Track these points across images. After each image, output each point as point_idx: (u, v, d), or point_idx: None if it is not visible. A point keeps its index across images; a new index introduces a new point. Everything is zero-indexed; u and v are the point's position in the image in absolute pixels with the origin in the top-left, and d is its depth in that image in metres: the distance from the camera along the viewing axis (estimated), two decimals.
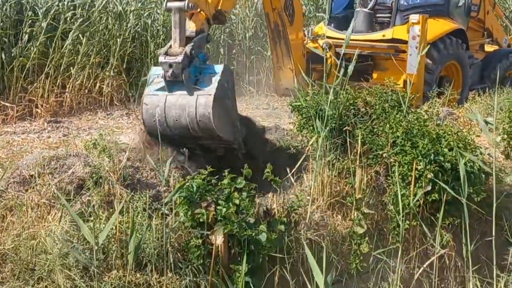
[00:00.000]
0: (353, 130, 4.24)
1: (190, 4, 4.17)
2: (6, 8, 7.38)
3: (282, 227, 3.56)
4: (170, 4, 4.24)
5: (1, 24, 7.34)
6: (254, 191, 3.67)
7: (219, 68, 4.22)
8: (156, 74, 4.29)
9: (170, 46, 4.26)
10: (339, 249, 3.88)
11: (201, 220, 3.37)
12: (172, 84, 4.14)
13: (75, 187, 3.72)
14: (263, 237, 3.40)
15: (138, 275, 3.00)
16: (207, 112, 3.96)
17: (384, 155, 4.10)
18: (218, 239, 3.39)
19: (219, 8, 4.68)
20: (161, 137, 3.73)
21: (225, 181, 3.62)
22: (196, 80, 4.16)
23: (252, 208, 3.53)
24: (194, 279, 3.33)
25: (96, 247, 2.49)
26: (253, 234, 3.39)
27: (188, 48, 4.13)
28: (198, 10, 4.39)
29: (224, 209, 3.39)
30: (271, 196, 3.99)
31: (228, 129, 4.17)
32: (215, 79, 4.10)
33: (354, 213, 3.97)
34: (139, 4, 8.76)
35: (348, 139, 4.13)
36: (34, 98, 7.11)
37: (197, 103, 4.02)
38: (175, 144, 4.20)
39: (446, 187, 3.49)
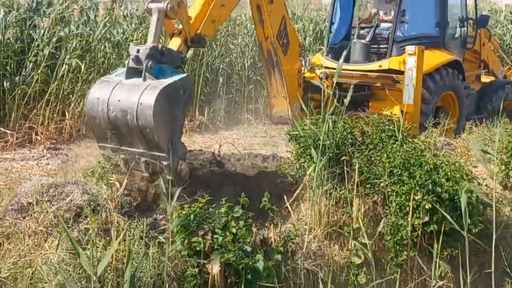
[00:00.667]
0: (350, 160, 4.26)
1: (170, 5, 4.25)
2: (9, 37, 7.48)
3: (279, 257, 3.55)
4: (151, 5, 4.33)
5: (4, 52, 7.44)
6: (251, 220, 3.67)
7: (181, 75, 4.16)
8: (120, 70, 4.27)
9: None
10: (337, 279, 3.85)
11: (197, 248, 3.36)
12: (131, 72, 4.05)
13: (73, 215, 3.72)
14: (260, 265, 3.39)
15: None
16: (152, 99, 3.76)
17: (382, 184, 4.12)
18: (214, 268, 3.38)
19: (198, 32, 4.75)
20: (95, 128, 3.83)
21: (222, 210, 3.62)
22: (156, 77, 4.05)
23: (249, 237, 3.53)
24: None
25: (94, 278, 2.47)
26: (250, 263, 3.38)
27: (160, 46, 4.18)
28: (178, 25, 4.52)
29: (221, 238, 3.39)
30: (268, 224, 3.99)
31: (164, 135, 3.88)
32: (173, 79, 4.02)
33: (351, 243, 3.96)
34: (138, 34, 8.88)
35: (345, 169, 4.15)
36: (34, 125, 7.17)
37: (146, 89, 3.86)
38: (104, 140, 4.03)
39: (448, 216, 3.48)
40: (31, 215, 3.77)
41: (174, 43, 4.54)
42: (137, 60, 4.03)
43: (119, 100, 3.86)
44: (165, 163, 3.93)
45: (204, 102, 9.13)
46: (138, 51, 4.04)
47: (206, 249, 3.39)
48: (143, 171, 4.04)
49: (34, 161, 6.28)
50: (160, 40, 4.74)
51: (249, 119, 9.33)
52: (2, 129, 7.02)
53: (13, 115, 7.22)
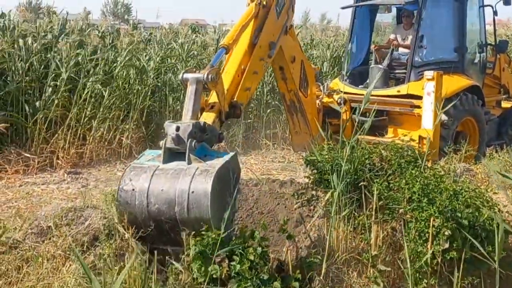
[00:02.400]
0: (369, 185, 4.23)
1: (211, 76, 3.77)
2: (32, 62, 7.67)
3: (297, 284, 3.50)
4: (187, 75, 3.87)
5: (28, 77, 7.62)
6: (268, 246, 3.64)
7: (227, 155, 3.62)
8: (148, 153, 3.69)
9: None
10: None
11: (214, 276, 3.32)
12: (170, 154, 3.50)
13: (90, 239, 3.74)
14: None
15: None
16: (207, 185, 3.18)
17: (401, 211, 4.07)
18: None
19: (235, 99, 4.42)
20: (132, 223, 3.20)
21: (237, 239, 3.56)
22: (200, 159, 3.51)
23: (266, 264, 3.49)
24: None
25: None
26: None
27: (202, 122, 3.68)
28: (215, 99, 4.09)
29: (238, 266, 3.34)
30: (286, 251, 3.96)
31: (219, 228, 3.22)
32: (224, 159, 3.47)
33: (370, 270, 3.91)
34: (159, 59, 9.03)
35: (363, 194, 4.11)
36: (55, 150, 7.27)
37: (195, 174, 3.28)
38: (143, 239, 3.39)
39: (477, 244, 3.42)
40: (50, 239, 3.81)
41: (208, 119, 3.96)
42: (177, 139, 3.46)
43: (162, 190, 3.27)
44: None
45: (223, 127, 9.18)
46: (177, 128, 3.48)
47: (223, 276, 3.35)
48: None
49: (55, 185, 6.37)
50: None
51: (267, 144, 9.35)
52: (24, 153, 7.14)
53: (34, 140, 7.35)
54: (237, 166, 3.62)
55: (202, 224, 3.16)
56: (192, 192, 3.21)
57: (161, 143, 3.52)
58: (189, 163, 3.42)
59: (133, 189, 3.33)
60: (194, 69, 4.04)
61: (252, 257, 3.38)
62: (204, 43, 10.85)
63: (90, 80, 7.79)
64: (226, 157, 3.49)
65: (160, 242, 3.38)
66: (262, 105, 9.71)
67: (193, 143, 3.47)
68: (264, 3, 5.08)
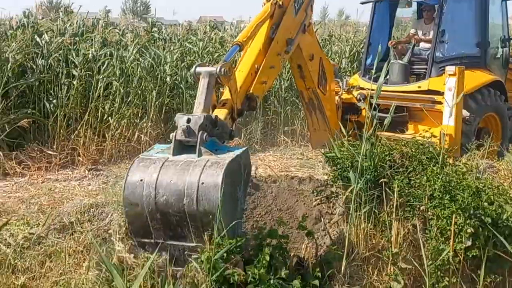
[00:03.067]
0: (389, 182, 4.19)
1: (224, 69, 3.69)
2: (50, 61, 7.77)
3: (316, 282, 3.49)
4: (199, 69, 3.80)
5: (47, 76, 7.72)
6: (287, 243, 3.61)
7: (239, 149, 3.51)
8: (158, 146, 3.61)
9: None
10: None
11: (231, 281, 3.26)
12: (180, 147, 3.41)
13: (111, 234, 3.78)
14: None
15: None
16: (218, 177, 3.06)
17: (422, 208, 4.03)
18: None
19: (250, 91, 4.39)
20: (134, 218, 3.11)
21: (253, 239, 3.52)
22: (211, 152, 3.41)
23: (285, 262, 3.46)
24: None
25: None
26: None
27: (214, 115, 3.59)
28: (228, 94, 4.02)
29: (255, 269, 3.27)
30: (305, 248, 3.94)
31: (228, 223, 3.12)
32: (235, 153, 3.37)
33: (390, 268, 3.87)
34: (176, 56, 9.05)
35: (384, 191, 4.08)
36: (76, 147, 7.36)
37: (206, 166, 3.18)
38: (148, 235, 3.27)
39: (504, 241, 3.36)
40: (72, 234, 3.87)
41: (220, 115, 3.87)
42: (188, 131, 3.38)
43: (171, 181, 3.16)
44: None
45: (241, 124, 9.19)
46: (188, 120, 3.41)
47: (240, 280, 3.30)
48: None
49: (76, 181, 6.44)
50: None
51: (285, 140, 9.33)
52: (46, 150, 7.24)
53: (56, 137, 7.45)
54: (248, 161, 3.51)
55: (210, 218, 3.05)
56: (202, 183, 3.09)
57: (172, 135, 3.44)
58: (200, 155, 3.32)
59: (141, 180, 3.21)
60: (207, 64, 4.00)
61: (268, 258, 3.34)
62: (222, 40, 10.86)
63: (103, 77, 7.85)
64: (238, 152, 3.40)
65: (167, 237, 3.25)
66: (281, 101, 9.68)
67: (204, 135, 3.38)
68: (280, 3, 5.03)
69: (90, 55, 7.94)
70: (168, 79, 8.60)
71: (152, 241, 3.25)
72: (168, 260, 3.18)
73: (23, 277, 3.48)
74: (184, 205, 3.11)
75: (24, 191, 6.11)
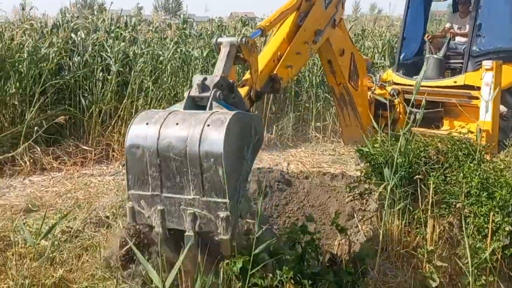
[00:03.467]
0: (424, 179, 4.13)
1: (245, 40, 3.55)
2: (86, 58, 7.93)
3: (350, 278, 3.47)
4: (221, 39, 3.65)
5: (83, 72, 7.88)
6: (319, 239, 3.60)
7: (253, 114, 3.45)
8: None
9: None
10: None
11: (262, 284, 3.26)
12: (193, 104, 3.26)
13: (145, 229, 3.83)
14: None
15: None
16: (224, 120, 2.88)
17: (458, 205, 3.95)
18: None
19: (274, 73, 4.29)
20: (133, 164, 2.94)
21: (283, 236, 3.52)
22: None
23: (317, 260, 3.44)
24: None
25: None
26: None
27: (232, 80, 3.42)
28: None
29: (280, 273, 3.17)
30: (338, 244, 3.92)
31: (230, 175, 2.86)
32: (246, 113, 3.27)
33: (425, 266, 3.81)
34: (206, 52, 9.10)
35: (419, 188, 4.02)
36: (110, 142, 7.49)
37: (214, 113, 3.00)
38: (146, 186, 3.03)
39: None
40: (107, 228, 3.94)
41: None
42: (202, 86, 3.24)
43: (177, 124, 2.99)
44: (222, 214, 2.86)
45: (272, 120, 9.19)
46: (205, 79, 3.28)
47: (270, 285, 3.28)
48: (186, 229, 2.96)
49: (111, 176, 6.56)
50: None
51: (317, 136, 9.29)
52: (81, 145, 7.40)
53: (91, 133, 7.60)
54: (260, 128, 3.28)
55: (211, 162, 2.80)
56: (208, 125, 2.89)
57: (185, 93, 3.31)
58: (211, 109, 3.14)
59: (147, 123, 3.04)
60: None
61: (297, 259, 3.31)
62: None
63: (138, 74, 7.96)
64: (251, 113, 3.31)
65: (164, 188, 3.01)
66: (312, 97, 9.63)
67: (218, 93, 3.20)
68: None
69: (123, 52, 8.06)
70: (197, 73, 8.66)
71: (148, 193, 3.04)
72: (161, 214, 2.98)
73: (61, 269, 3.56)
74: (186, 147, 2.90)
75: (60, 186, 6.26)
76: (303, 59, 5.09)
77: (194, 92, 3.25)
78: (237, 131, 2.95)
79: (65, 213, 4.56)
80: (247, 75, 4.01)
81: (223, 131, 2.82)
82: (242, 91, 3.76)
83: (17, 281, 3.36)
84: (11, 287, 3.32)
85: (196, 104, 3.26)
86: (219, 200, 2.86)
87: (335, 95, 6.37)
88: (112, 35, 8.59)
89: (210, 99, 3.17)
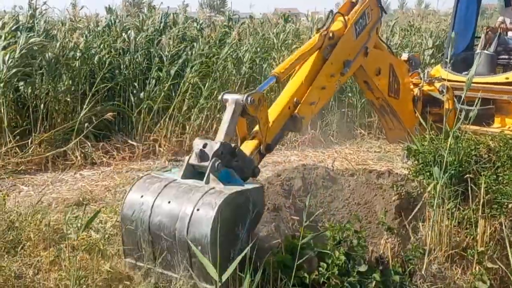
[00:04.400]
0: (475, 178, 4.02)
1: (251, 98, 3.46)
2: (137, 56, 8.12)
3: (397, 277, 3.42)
4: (227, 96, 3.57)
5: (133, 70, 8.08)
6: (364, 238, 3.56)
7: (254, 185, 3.28)
8: (175, 170, 3.40)
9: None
10: None
11: (305, 281, 3.22)
12: (192, 171, 3.24)
13: None
14: None
15: None
16: (213, 206, 2.86)
17: (510, 205, 3.83)
18: None
19: (295, 113, 4.09)
20: (127, 236, 3.06)
21: (328, 233, 3.51)
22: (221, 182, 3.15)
23: (363, 259, 3.41)
24: None
25: (219, 284, 2.51)
26: None
27: (234, 145, 3.33)
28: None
29: (326, 272, 3.23)
30: (383, 243, 3.87)
31: (222, 259, 2.67)
32: (245, 187, 3.13)
33: (475, 267, 3.72)
34: (254, 50, 9.14)
35: (469, 187, 3.91)
36: (157, 138, 7.65)
37: (207, 192, 2.98)
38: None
39: None
40: None
41: (248, 147, 3.65)
42: (201, 155, 3.19)
43: (169, 202, 3.03)
44: None
45: (316, 116, 9.14)
46: (204, 145, 3.21)
47: (313, 281, 3.24)
48: None
49: (157, 171, 6.69)
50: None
51: (362, 133, 9.18)
52: (129, 141, 7.59)
53: (139, 128, 7.79)
54: (260, 200, 3.22)
55: (199, 248, 2.74)
56: (197, 210, 2.90)
57: (185, 158, 3.32)
58: (207, 182, 3.12)
59: (142, 196, 3.13)
60: (238, 92, 3.79)
61: (342, 260, 3.28)
62: (297, 32, 10.82)
63: (192, 74, 8.08)
64: (249, 186, 3.16)
65: (156, 264, 3.11)
66: (356, 94, 9.52)
67: (217, 163, 3.16)
68: (331, 35, 4.51)
69: (172, 50, 8.20)
70: (244, 71, 8.71)
71: (143, 264, 3.15)
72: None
73: (110, 262, 3.66)
74: (175, 230, 2.95)
75: (110, 180, 6.44)
76: (329, 93, 4.75)
77: (193, 160, 3.24)
78: (229, 214, 2.93)
79: (115, 207, 4.70)
80: (257, 127, 3.83)
81: (211, 219, 2.81)
82: (251, 144, 3.68)
83: (69, 272, 3.49)
84: (64, 278, 3.45)
85: (196, 171, 3.25)
86: (208, 286, 2.87)
87: (374, 106, 6.19)
88: (164, 34, 8.74)
89: (208, 172, 3.14)
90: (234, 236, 3.01)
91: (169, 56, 8.11)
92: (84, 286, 3.41)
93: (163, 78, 8.01)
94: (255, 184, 3.28)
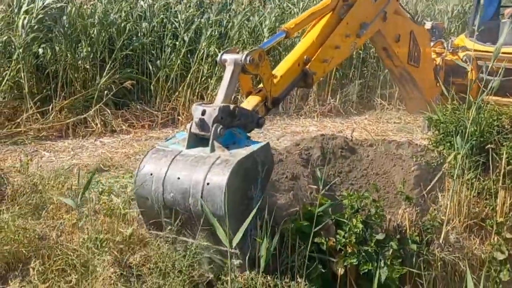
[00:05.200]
0: (496, 148, 3.97)
1: (250, 57, 3.39)
2: (154, 24, 8.08)
3: (414, 246, 3.43)
4: (225, 56, 3.50)
5: (150, 38, 8.05)
6: (382, 207, 3.57)
7: (258, 144, 3.21)
8: (179, 135, 3.41)
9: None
10: (476, 274, 3.64)
11: (322, 248, 3.27)
12: (196, 139, 3.23)
13: None
14: (384, 274, 3.23)
15: (269, 277, 3.08)
16: (223, 177, 2.86)
17: None
18: (339, 270, 3.30)
19: (307, 67, 4.05)
20: (146, 211, 3.12)
21: (345, 201, 3.53)
22: (226, 147, 3.16)
23: (380, 228, 3.42)
24: None
25: (231, 250, 2.55)
26: (374, 268, 3.21)
27: (233, 106, 3.29)
28: (257, 79, 3.75)
29: (344, 240, 3.27)
30: (401, 213, 3.87)
31: (237, 225, 2.78)
32: (250, 149, 3.11)
33: (494, 238, 3.71)
34: (274, 18, 9.02)
35: (490, 158, 3.87)
36: (176, 107, 7.67)
37: (214, 163, 2.97)
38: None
39: None
40: None
41: (251, 102, 3.66)
42: (201, 124, 3.17)
43: (178, 178, 3.02)
44: (236, 262, 2.99)
45: (336, 86, 9.06)
46: (203, 112, 3.18)
47: (330, 247, 3.29)
48: (206, 272, 3.13)
49: None
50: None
51: (382, 104, 9.08)
52: (149, 109, 7.63)
53: (158, 97, 7.81)
54: (268, 158, 3.22)
55: (215, 219, 2.73)
56: (208, 184, 2.90)
57: (187, 126, 3.28)
58: (212, 150, 3.12)
59: (151, 174, 3.12)
60: (237, 49, 3.66)
61: (360, 227, 3.29)
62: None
63: (206, 42, 8.02)
64: (254, 147, 3.12)
65: (178, 233, 3.14)
66: (379, 63, 9.38)
67: (219, 129, 3.14)
68: None
69: (189, 17, 8.14)
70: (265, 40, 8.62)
71: (164, 234, 3.18)
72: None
73: (131, 227, 3.73)
74: (190, 205, 2.99)
75: (129, 147, 6.51)
76: (343, 54, 4.66)
77: (195, 129, 3.22)
78: (239, 181, 2.95)
79: (134, 173, 4.75)
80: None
81: (223, 192, 2.82)
82: (253, 99, 3.66)
83: (91, 235, 3.57)
84: (86, 240, 3.53)
85: (199, 138, 3.23)
86: (231, 250, 2.85)
87: (394, 75, 6.07)
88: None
89: (211, 140, 3.13)
90: (248, 200, 3.04)
91: (184, 23, 8.04)
92: (106, 249, 3.49)
93: (179, 45, 7.97)
94: (261, 143, 3.21)
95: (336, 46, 4.37)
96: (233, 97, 3.52)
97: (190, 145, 3.21)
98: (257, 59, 3.47)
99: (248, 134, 3.41)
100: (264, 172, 3.13)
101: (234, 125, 3.28)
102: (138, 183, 3.17)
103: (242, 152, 3.04)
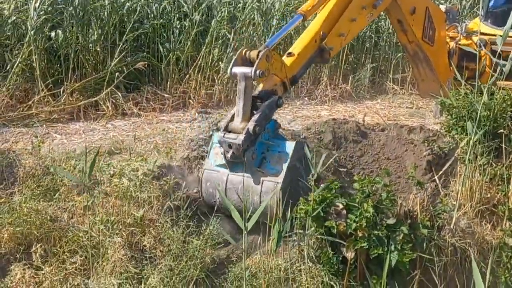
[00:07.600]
0: (509, 134, 3.93)
1: (258, 72, 3.51)
2: (164, 6, 8.02)
3: (425, 231, 3.42)
4: (235, 69, 3.62)
5: (161, 20, 8.00)
6: (393, 192, 3.55)
7: (289, 146, 3.61)
8: (217, 143, 3.78)
9: (232, 118, 3.70)
10: (487, 259, 3.62)
11: (333, 231, 3.30)
12: (233, 164, 3.65)
13: None
14: (394, 258, 3.24)
15: (279, 261, 3.09)
16: (275, 200, 3.33)
17: None
18: (350, 254, 3.31)
19: (323, 43, 4.13)
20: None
21: (356, 185, 3.54)
22: (263, 158, 3.63)
23: (391, 212, 3.41)
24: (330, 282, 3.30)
25: (245, 232, 2.61)
26: (384, 252, 3.23)
27: (251, 125, 3.52)
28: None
29: (354, 224, 3.30)
30: (412, 198, 3.85)
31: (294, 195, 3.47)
32: (285, 161, 3.54)
33: (505, 223, 3.69)
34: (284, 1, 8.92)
35: (503, 143, 3.83)
36: (187, 90, 7.65)
37: (262, 191, 3.51)
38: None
39: None
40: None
41: (269, 82, 3.80)
42: (234, 157, 3.58)
43: (239, 206, 3.43)
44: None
45: (348, 71, 8.98)
46: (229, 146, 3.56)
47: (341, 231, 3.31)
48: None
49: (187, 123, 6.73)
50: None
51: (394, 88, 8.99)
52: (160, 92, 7.62)
53: (169, 80, 7.79)
54: (301, 152, 3.51)
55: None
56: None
57: (220, 152, 3.69)
58: (253, 175, 3.58)
59: (214, 201, 3.74)
60: (243, 51, 3.71)
61: (370, 211, 3.31)
62: None
63: (216, 25, 7.96)
64: (287, 158, 3.53)
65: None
66: (392, 47, 9.26)
67: (250, 155, 3.55)
68: None
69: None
70: (275, 23, 8.55)
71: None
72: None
73: (142, 210, 3.76)
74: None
75: (140, 130, 6.51)
76: (360, 25, 4.73)
77: (230, 158, 3.58)
78: (287, 194, 3.43)
79: (145, 156, 4.77)
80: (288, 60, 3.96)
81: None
82: (274, 78, 3.79)
83: (102, 217, 3.60)
84: (97, 222, 3.56)
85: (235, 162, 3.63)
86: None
87: (408, 52, 6.00)
88: None
89: (250, 168, 3.56)
90: (297, 191, 3.52)
91: (193, 3, 7.97)
92: (117, 231, 3.52)
93: (189, 27, 7.91)
94: (290, 143, 3.60)
95: (352, 18, 4.44)
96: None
97: (232, 168, 3.66)
98: (266, 66, 3.59)
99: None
100: (303, 164, 3.54)
101: (260, 132, 3.59)
102: (206, 199, 3.89)
103: (281, 172, 3.51)
